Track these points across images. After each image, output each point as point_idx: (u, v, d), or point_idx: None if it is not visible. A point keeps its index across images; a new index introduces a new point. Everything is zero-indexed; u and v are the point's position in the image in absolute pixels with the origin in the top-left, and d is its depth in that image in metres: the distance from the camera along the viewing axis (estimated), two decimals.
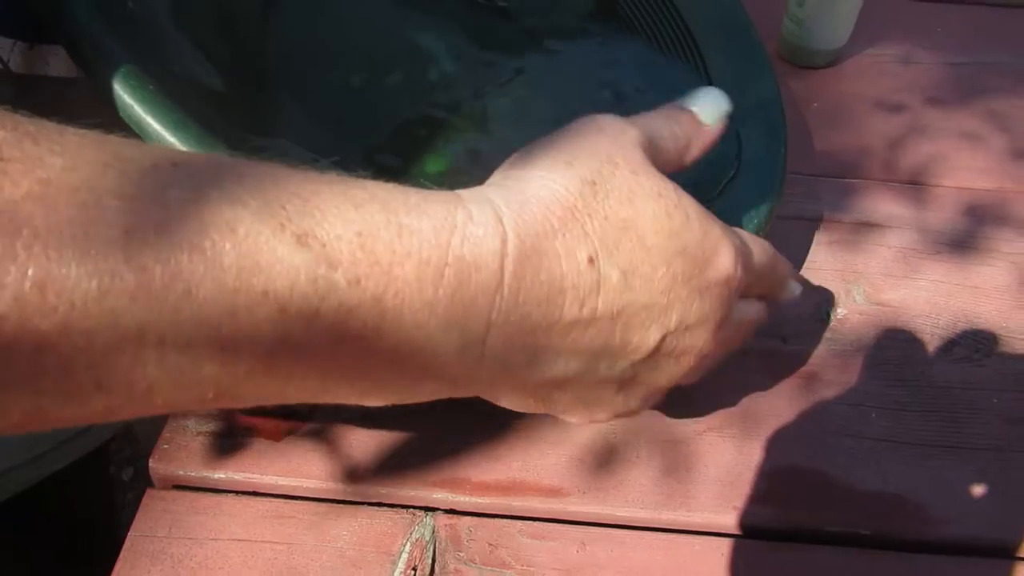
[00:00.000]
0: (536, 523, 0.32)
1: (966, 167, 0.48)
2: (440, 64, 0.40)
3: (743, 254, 0.26)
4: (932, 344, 0.39)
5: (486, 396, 0.24)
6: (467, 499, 0.32)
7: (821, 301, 0.40)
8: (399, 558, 0.31)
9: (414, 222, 0.20)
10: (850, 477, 0.33)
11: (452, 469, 0.33)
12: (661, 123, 0.26)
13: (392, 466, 0.33)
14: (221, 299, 0.17)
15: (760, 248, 0.28)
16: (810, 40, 0.53)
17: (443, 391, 0.22)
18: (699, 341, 0.25)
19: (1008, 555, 0.32)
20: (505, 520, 0.32)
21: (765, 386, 0.36)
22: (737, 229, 0.27)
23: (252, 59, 0.36)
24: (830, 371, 0.37)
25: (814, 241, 0.43)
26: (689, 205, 0.24)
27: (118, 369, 0.16)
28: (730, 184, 0.37)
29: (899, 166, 0.48)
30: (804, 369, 0.37)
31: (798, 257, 0.42)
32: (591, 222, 0.22)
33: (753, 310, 0.29)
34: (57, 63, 0.35)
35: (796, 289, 0.31)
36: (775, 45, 0.55)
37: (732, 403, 0.36)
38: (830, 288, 0.41)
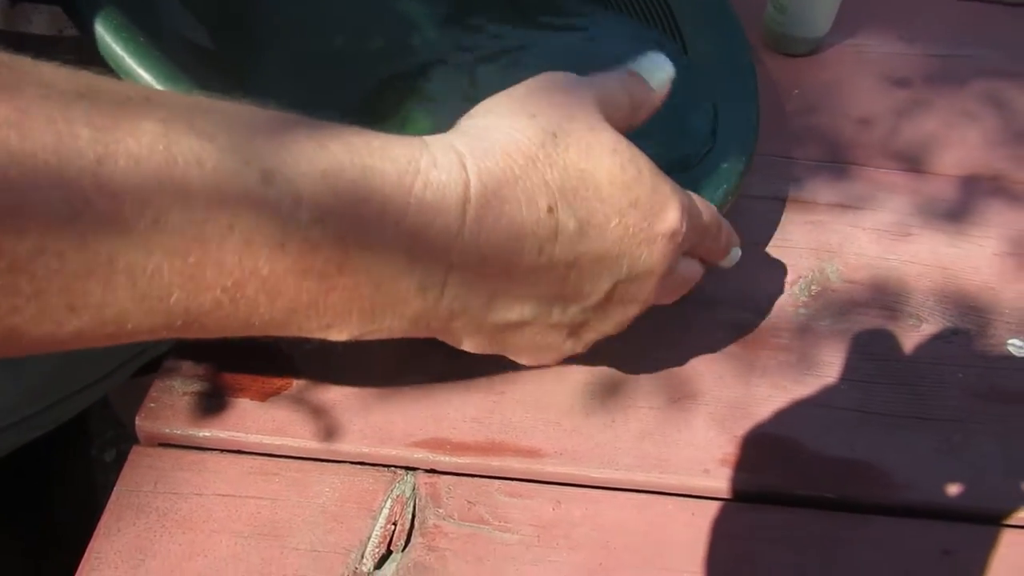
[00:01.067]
0: (513, 483, 0.33)
1: (942, 153, 0.49)
2: (423, 31, 0.40)
3: (690, 212, 0.27)
4: (901, 321, 0.40)
5: (442, 336, 0.25)
6: (447, 459, 0.33)
7: (795, 278, 0.41)
8: (380, 514, 0.31)
9: (378, 163, 0.20)
10: (818, 444, 0.35)
11: (434, 430, 0.34)
12: (615, 85, 0.28)
13: (375, 427, 0.34)
14: (188, 230, 0.18)
15: (707, 209, 0.29)
16: (792, 28, 0.54)
17: (403, 329, 0.23)
18: (645, 290, 0.26)
19: (967, 519, 0.33)
20: (483, 479, 0.33)
21: (738, 357, 0.38)
22: (687, 191, 0.28)
23: (239, 20, 0.36)
24: (802, 345, 0.38)
25: (790, 221, 0.44)
26: (642, 161, 0.25)
27: (89, 292, 0.17)
28: (708, 156, 0.38)
29: (876, 150, 0.49)
30: (777, 342, 0.38)
31: (774, 235, 0.43)
32: (551, 171, 0.23)
33: (693, 268, 0.30)
34: (40, 21, 0.35)
35: (735, 255, 0.32)
36: (758, 32, 0.56)
37: (705, 373, 0.37)
38: (804, 265, 0.42)
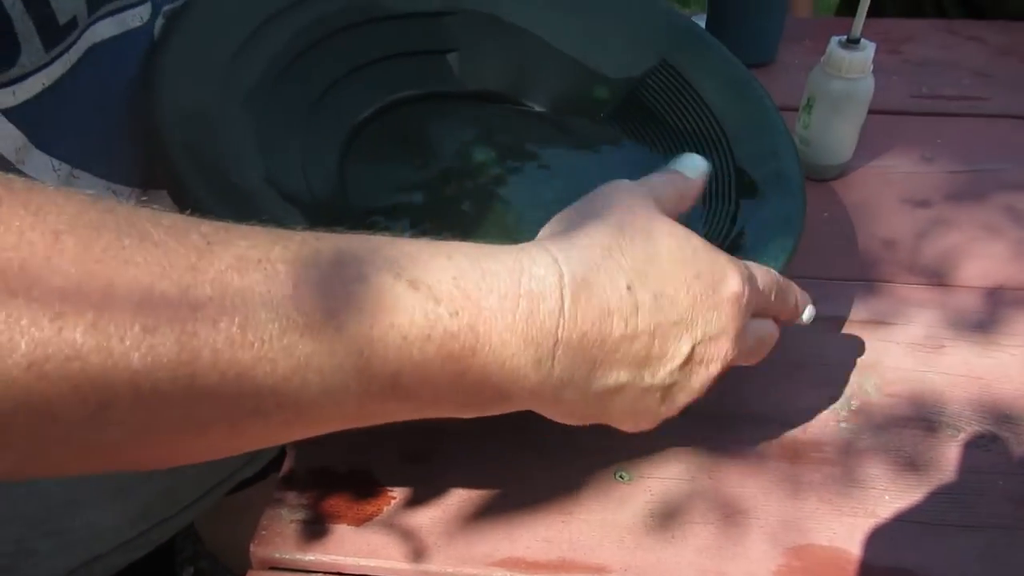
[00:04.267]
0: None
1: (967, 267, 0.53)
2: (484, 156, 0.48)
3: (748, 277, 0.31)
4: (940, 432, 0.43)
5: (554, 409, 0.29)
6: None
7: (836, 394, 0.45)
8: None
9: (492, 266, 0.26)
10: (866, 555, 0.37)
11: (509, 550, 0.38)
12: (661, 181, 0.34)
13: (457, 548, 0.38)
14: (360, 333, 0.23)
15: (765, 275, 0.33)
16: (817, 157, 0.59)
17: (523, 400, 0.28)
18: (722, 349, 0.31)
19: None
20: None
21: (785, 472, 0.41)
22: (744, 261, 0.32)
23: (331, 198, 0.44)
24: (845, 458, 0.41)
25: (827, 338, 0.48)
26: (695, 239, 0.31)
27: (289, 390, 0.22)
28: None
29: (903, 267, 0.53)
30: (821, 456, 0.41)
31: (813, 353, 0.47)
32: (624, 258, 0.28)
33: (767, 328, 0.34)
34: (166, 203, 0.43)
35: (810, 312, 0.37)
36: None
37: (754, 488, 0.40)
38: (844, 382, 0.45)
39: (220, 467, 0.59)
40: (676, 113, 0.52)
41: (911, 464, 0.41)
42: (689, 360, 0.30)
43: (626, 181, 0.33)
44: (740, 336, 0.31)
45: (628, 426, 0.32)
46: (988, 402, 0.44)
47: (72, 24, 0.34)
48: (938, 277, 0.52)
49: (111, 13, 0.36)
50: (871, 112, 0.59)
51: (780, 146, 0.49)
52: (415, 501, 0.40)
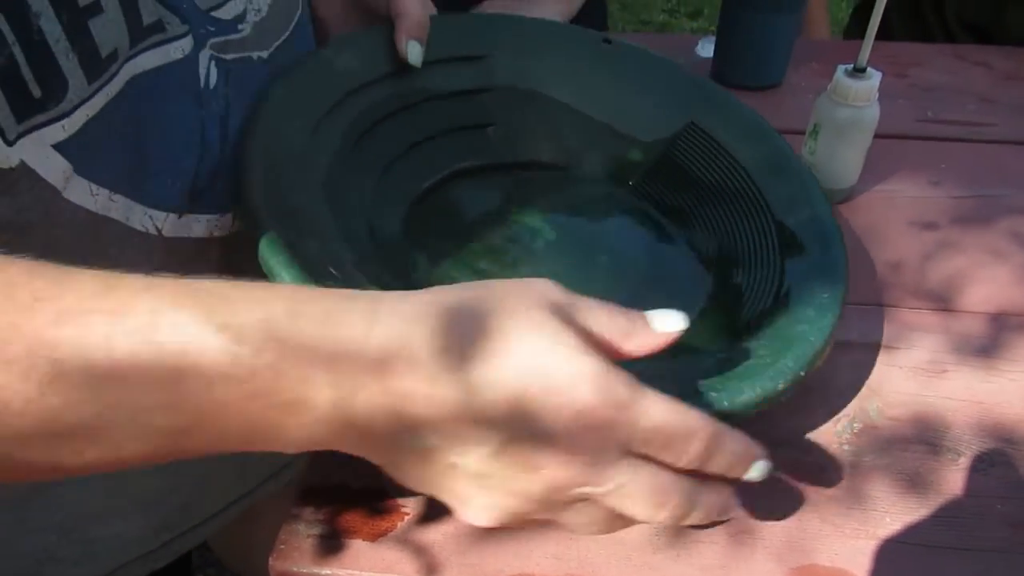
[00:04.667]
0: None
1: (971, 292, 0.54)
2: (535, 223, 0.51)
3: (618, 404, 0.28)
4: (941, 455, 0.44)
5: (377, 460, 0.30)
6: None
7: (839, 416, 0.46)
8: None
9: (304, 310, 0.27)
10: (867, 574, 0.38)
11: (519, 566, 0.39)
12: (597, 310, 0.31)
13: (469, 564, 0.39)
14: (162, 374, 0.25)
15: (676, 416, 0.29)
16: (823, 181, 0.60)
17: (325, 438, 0.28)
18: (553, 468, 0.28)
19: None
20: None
21: (789, 493, 0.42)
22: (658, 397, 0.29)
23: (397, 268, 0.46)
24: (847, 480, 0.42)
25: (831, 361, 0.49)
26: (566, 365, 0.28)
27: (99, 427, 0.25)
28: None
29: (908, 291, 0.54)
30: (824, 477, 0.42)
31: (819, 376, 0.48)
32: (452, 338, 0.28)
33: (672, 482, 0.30)
34: (198, 228, 0.44)
35: (757, 469, 0.32)
36: None
37: (759, 509, 0.41)
38: (847, 405, 0.46)
39: (242, 483, 0.60)
40: (709, 170, 0.55)
41: (912, 486, 0.42)
42: (499, 455, 0.28)
43: (546, 286, 0.31)
44: (591, 465, 0.28)
45: (466, 513, 0.31)
46: (988, 426, 0.45)
47: (114, 56, 0.35)
48: (942, 302, 0.53)
49: (154, 45, 0.38)
50: (877, 136, 0.60)
51: (809, 190, 0.52)
52: (428, 517, 0.41)
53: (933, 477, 0.43)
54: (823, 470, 0.43)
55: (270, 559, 0.39)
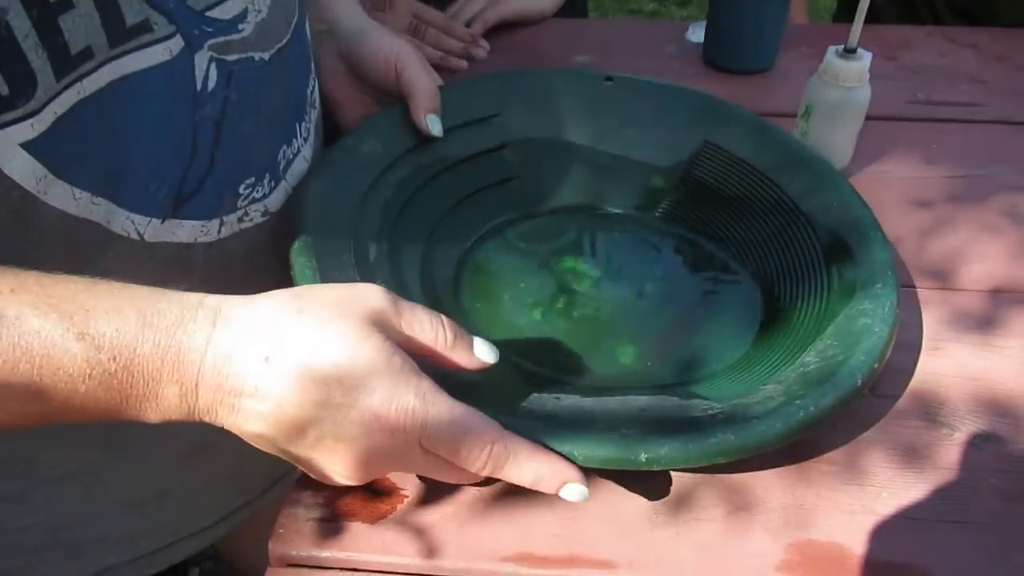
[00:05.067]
0: None
1: (969, 270, 0.54)
2: (577, 265, 0.54)
3: (411, 411, 0.33)
4: (936, 431, 0.44)
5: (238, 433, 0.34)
6: (532, 571, 0.38)
7: None
8: None
9: (155, 320, 0.31)
10: (864, 549, 0.38)
11: (519, 546, 0.39)
12: (427, 324, 0.36)
13: (468, 544, 0.39)
14: (30, 375, 0.30)
15: (453, 419, 0.34)
16: None
17: (183, 417, 0.33)
18: (339, 445, 0.34)
19: None
20: None
21: (786, 469, 0.42)
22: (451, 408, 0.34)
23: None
24: (844, 456, 0.43)
25: None
26: (374, 356, 0.33)
27: None
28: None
29: (904, 270, 0.54)
30: (820, 455, 0.43)
31: None
32: (281, 336, 0.33)
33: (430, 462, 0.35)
34: (182, 233, 0.44)
35: (570, 492, 0.36)
36: None
37: (756, 485, 0.41)
38: None
39: (238, 493, 0.60)
40: (732, 184, 0.56)
41: (908, 462, 0.42)
42: (315, 447, 0.33)
43: (370, 293, 0.35)
44: (392, 457, 0.34)
45: (312, 475, 0.36)
46: (983, 402, 0.45)
47: (87, 53, 0.34)
48: (936, 279, 0.53)
49: (140, 47, 0.37)
50: (869, 118, 0.61)
51: (831, 180, 0.52)
52: (427, 499, 0.41)
53: (928, 452, 0.43)
54: (820, 447, 0.43)
55: (269, 543, 0.39)
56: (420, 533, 0.40)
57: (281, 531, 0.40)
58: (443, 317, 0.36)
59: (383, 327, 0.34)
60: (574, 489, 0.36)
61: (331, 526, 0.40)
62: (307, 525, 0.40)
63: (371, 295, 0.35)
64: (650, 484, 0.41)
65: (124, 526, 0.53)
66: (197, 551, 0.58)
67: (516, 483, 0.36)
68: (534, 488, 0.36)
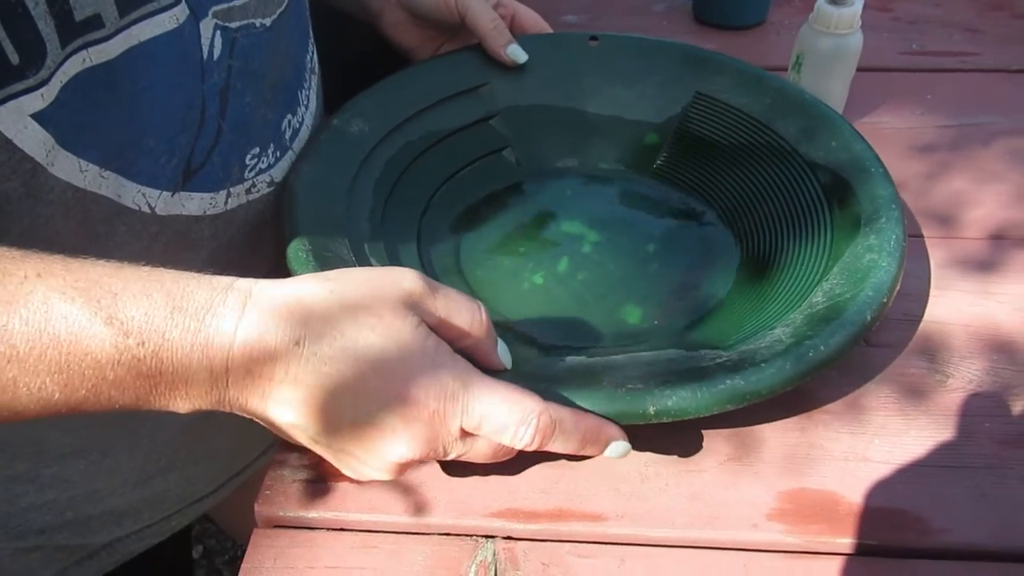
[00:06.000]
0: (581, 544, 0.37)
1: (963, 218, 0.53)
2: (576, 229, 0.54)
3: (464, 405, 0.32)
4: (930, 378, 0.43)
5: (263, 422, 0.33)
6: (522, 526, 0.38)
7: None
8: None
9: (184, 304, 0.30)
10: (857, 496, 0.38)
11: (508, 501, 0.38)
12: (453, 304, 0.34)
13: (457, 501, 0.39)
14: (57, 360, 0.29)
15: (502, 400, 0.33)
16: None
17: (212, 406, 0.32)
18: (385, 440, 0.33)
19: (1000, 558, 0.36)
20: (555, 543, 0.37)
21: (774, 421, 0.41)
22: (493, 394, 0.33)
23: None
24: (837, 405, 0.42)
25: None
26: (413, 350, 0.32)
27: (3, 400, 0.29)
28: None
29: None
30: (813, 403, 0.42)
31: None
32: (310, 322, 0.31)
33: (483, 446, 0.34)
34: (192, 205, 0.43)
35: (616, 449, 0.36)
36: None
37: (748, 435, 0.41)
38: None
39: (236, 460, 0.60)
40: (728, 133, 0.54)
41: (901, 409, 0.42)
42: (349, 438, 0.32)
43: (404, 277, 0.33)
44: (430, 446, 0.33)
45: (344, 470, 0.34)
46: (977, 348, 0.45)
47: (95, 21, 0.33)
48: (930, 227, 0.53)
49: (148, 15, 0.36)
50: (863, 70, 0.59)
51: (829, 120, 0.51)
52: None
53: (923, 399, 0.42)
54: (812, 396, 0.43)
55: (255, 504, 0.39)
56: (407, 491, 0.39)
57: (268, 492, 0.40)
58: (481, 303, 0.35)
59: (417, 309, 0.33)
60: (618, 446, 0.35)
61: (318, 487, 0.40)
62: (293, 486, 0.40)
63: (405, 277, 0.33)
64: (642, 438, 0.41)
65: (130, 500, 0.53)
66: (195, 518, 0.59)
67: (562, 452, 0.35)
68: (579, 453, 0.35)
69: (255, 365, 0.30)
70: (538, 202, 0.55)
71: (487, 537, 0.38)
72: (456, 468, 0.40)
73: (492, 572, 0.36)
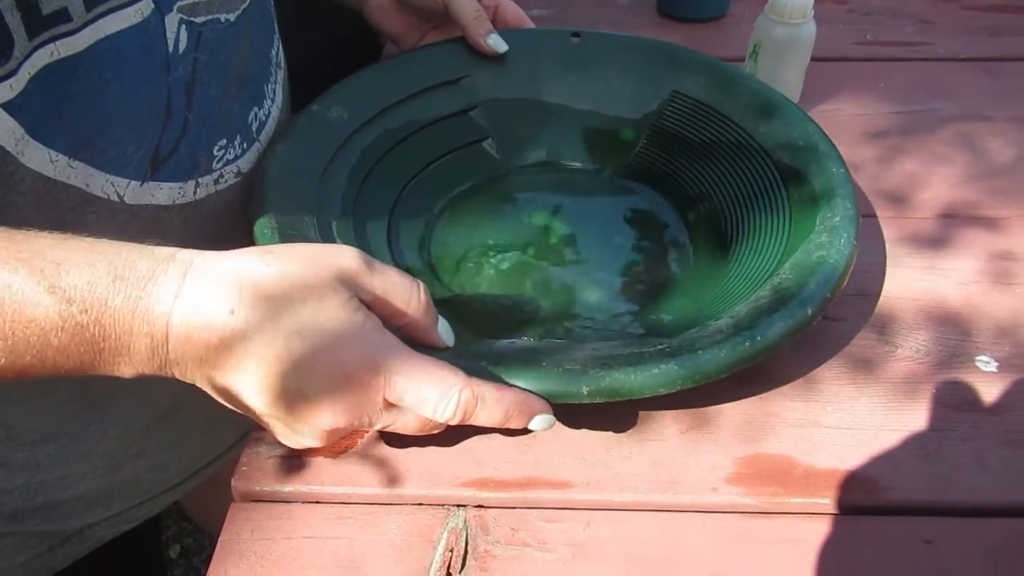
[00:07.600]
0: (548, 510, 0.39)
1: (913, 198, 0.55)
2: (547, 221, 0.55)
3: (392, 372, 0.34)
4: (879, 348, 0.45)
5: (202, 387, 0.34)
6: (491, 494, 0.39)
7: None
8: (439, 544, 0.37)
9: (126, 273, 0.31)
10: (810, 459, 0.40)
11: (478, 471, 0.40)
12: (389, 282, 0.35)
13: (428, 472, 0.40)
14: (2, 326, 0.30)
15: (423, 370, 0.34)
16: None
17: (155, 374, 0.33)
18: (316, 408, 0.34)
19: (944, 513, 0.38)
20: (523, 510, 0.39)
21: (732, 392, 0.43)
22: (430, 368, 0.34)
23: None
24: (791, 375, 0.44)
25: None
26: (344, 326, 0.33)
27: None
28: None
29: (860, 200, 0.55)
30: (769, 373, 0.44)
31: None
32: (244, 289, 0.32)
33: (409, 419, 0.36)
34: (161, 195, 0.44)
35: (540, 423, 0.37)
36: None
37: (705, 407, 0.43)
38: None
39: (208, 450, 0.60)
40: (701, 130, 0.56)
41: (853, 379, 0.44)
42: (278, 405, 0.33)
43: (341, 254, 0.35)
44: (356, 414, 0.34)
45: (280, 437, 0.36)
46: (924, 320, 0.47)
47: (61, 15, 0.34)
48: (883, 207, 0.55)
49: (114, 9, 0.37)
50: (820, 59, 0.62)
51: (795, 119, 0.52)
52: (388, 434, 0.42)
53: (873, 369, 0.44)
54: (768, 367, 0.44)
55: (232, 480, 0.40)
56: (381, 464, 0.40)
57: (244, 468, 0.41)
58: (420, 283, 0.36)
59: (351, 285, 0.34)
60: (542, 419, 0.37)
61: (293, 462, 0.41)
62: (269, 462, 0.41)
63: (343, 254, 0.35)
64: (605, 414, 0.42)
65: (101, 486, 0.53)
66: (165, 507, 0.59)
67: (486, 425, 0.36)
68: (503, 427, 0.36)
69: (193, 332, 0.31)
70: (512, 194, 0.56)
71: (458, 506, 0.39)
72: (425, 440, 0.41)
73: (463, 538, 0.38)
